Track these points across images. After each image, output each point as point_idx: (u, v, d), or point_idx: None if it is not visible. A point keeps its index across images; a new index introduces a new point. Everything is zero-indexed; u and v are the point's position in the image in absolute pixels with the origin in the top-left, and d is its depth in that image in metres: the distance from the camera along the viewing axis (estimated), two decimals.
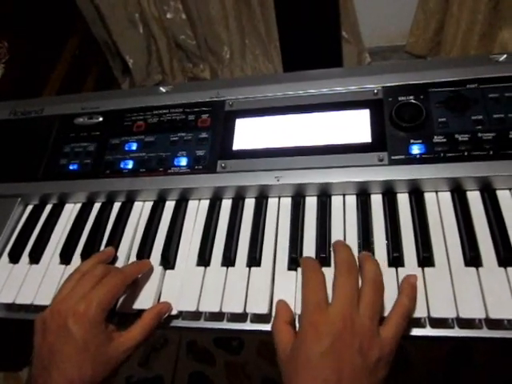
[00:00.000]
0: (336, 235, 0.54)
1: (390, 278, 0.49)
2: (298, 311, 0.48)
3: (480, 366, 1.10)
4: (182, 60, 2.03)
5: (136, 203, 0.64)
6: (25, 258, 0.62)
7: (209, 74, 2.02)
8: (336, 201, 0.57)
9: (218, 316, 0.53)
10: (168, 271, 0.56)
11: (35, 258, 0.61)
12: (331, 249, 0.53)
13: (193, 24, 1.87)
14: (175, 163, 0.62)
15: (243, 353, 1.35)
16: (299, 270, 0.52)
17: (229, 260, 0.54)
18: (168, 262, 0.56)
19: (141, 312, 0.53)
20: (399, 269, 0.50)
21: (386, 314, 0.46)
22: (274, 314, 0.49)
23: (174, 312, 0.53)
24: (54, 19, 1.67)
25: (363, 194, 0.56)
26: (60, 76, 1.71)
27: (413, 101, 0.58)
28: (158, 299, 0.54)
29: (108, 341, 0.48)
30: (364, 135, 0.57)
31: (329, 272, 0.50)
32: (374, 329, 0.43)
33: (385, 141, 0.56)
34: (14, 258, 0.62)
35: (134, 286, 0.55)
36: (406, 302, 0.45)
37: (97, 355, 0.46)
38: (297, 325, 0.48)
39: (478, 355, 1.11)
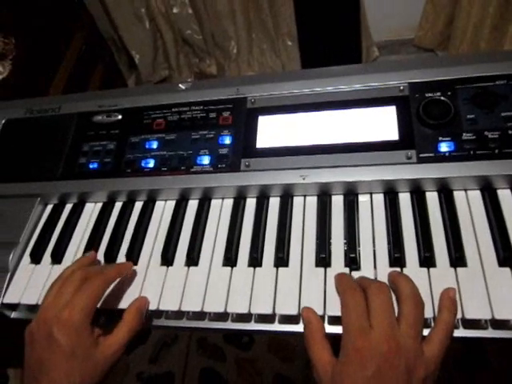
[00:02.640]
0: (365, 235, 0.53)
1: (422, 279, 0.48)
2: (329, 311, 0.48)
3: (495, 368, 1.10)
4: (189, 55, 2.01)
5: (158, 202, 0.63)
6: (47, 258, 0.62)
7: (215, 69, 2.00)
8: (363, 200, 0.56)
9: (245, 317, 0.53)
10: (193, 271, 0.55)
11: (57, 258, 0.61)
12: (359, 248, 0.52)
13: (199, 18, 1.86)
14: (197, 162, 0.61)
15: (254, 349, 1.35)
16: (328, 270, 0.52)
17: (256, 260, 0.54)
18: (193, 261, 0.56)
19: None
20: (431, 269, 0.49)
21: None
22: (302, 322, 0.48)
23: (197, 309, 0.52)
24: (60, 15, 1.65)
25: (391, 192, 0.56)
26: (66, 71, 1.70)
27: (440, 97, 0.57)
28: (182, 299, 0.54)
29: (95, 346, 0.48)
30: (391, 133, 0.56)
31: (358, 275, 0.50)
32: (418, 348, 0.42)
33: (412, 138, 0.55)
34: (36, 258, 0.62)
35: (160, 287, 0.54)
36: (449, 318, 0.44)
37: (84, 361, 0.46)
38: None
39: (492, 356, 1.11)
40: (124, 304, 0.54)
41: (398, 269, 0.50)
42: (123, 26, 1.88)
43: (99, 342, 0.49)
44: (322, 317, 0.49)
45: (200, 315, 0.54)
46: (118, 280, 0.55)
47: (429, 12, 1.71)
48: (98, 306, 0.53)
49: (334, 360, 0.43)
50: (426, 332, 0.45)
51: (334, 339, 0.46)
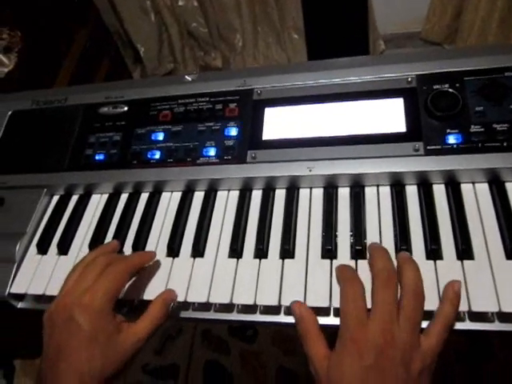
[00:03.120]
0: (371, 227, 0.53)
1: (428, 271, 0.48)
2: (335, 303, 0.48)
3: (501, 360, 1.10)
4: (194, 48, 2.01)
5: (164, 194, 0.63)
6: (53, 249, 0.62)
7: (221, 62, 2.00)
8: (370, 192, 0.56)
9: (250, 308, 0.53)
10: (199, 262, 0.55)
11: (64, 249, 0.61)
12: (366, 241, 0.52)
13: (205, 11, 1.85)
14: (204, 153, 0.61)
15: (258, 342, 1.36)
16: (334, 261, 0.52)
17: (261, 252, 0.54)
18: (199, 253, 0.56)
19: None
20: (437, 262, 0.49)
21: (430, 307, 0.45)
22: (294, 317, 0.48)
23: (202, 300, 0.52)
24: (65, 8, 1.65)
25: (398, 184, 0.55)
26: (72, 64, 1.70)
27: (448, 89, 0.56)
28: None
29: (117, 332, 0.46)
30: (398, 125, 0.56)
31: (365, 264, 0.50)
32: (414, 341, 0.42)
33: (420, 130, 0.55)
34: (42, 249, 0.62)
35: (165, 277, 0.55)
36: (450, 311, 0.44)
37: (106, 347, 0.45)
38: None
39: (498, 349, 1.11)
40: (129, 294, 0.54)
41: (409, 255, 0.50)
42: (129, 19, 1.88)
43: (122, 329, 0.47)
44: (328, 309, 0.49)
45: (205, 306, 0.54)
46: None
47: (436, 5, 1.70)
48: None
49: (330, 353, 0.43)
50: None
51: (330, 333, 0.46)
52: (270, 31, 1.85)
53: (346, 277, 0.47)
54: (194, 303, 0.54)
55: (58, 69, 1.65)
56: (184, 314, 0.55)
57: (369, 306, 0.45)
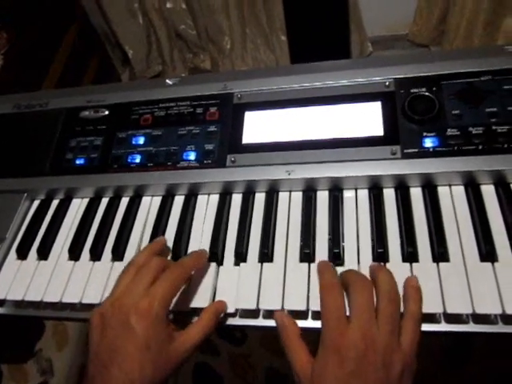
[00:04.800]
0: (349, 230, 0.53)
1: (405, 274, 0.48)
2: (312, 307, 0.48)
3: (478, 361, 1.11)
4: (183, 50, 2.01)
5: (144, 198, 0.63)
6: (33, 254, 0.61)
7: (209, 64, 2.00)
8: (348, 195, 0.56)
9: (230, 312, 0.53)
10: None
11: (43, 254, 0.61)
12: (343, 244, 0.52)
13: (193, 13, 1.85)
14: (184, 157, 0.61)
15: (247, 344, 1.36)
16: (312, 265, 0.52)
17: (241, 255, 0.54)
18: (179, 257, 0.56)
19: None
20: (414, 264, 0.49)
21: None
22: (277, 326, 0.48)
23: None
24: (53, 9, 1.65)
25: (375, 188, 0.56)
26: (59, 66, 1.69)
27: (425, 93, 0.57)
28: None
29: (169, 340, 0.46)
30: (376, 128, 0.57)
31: (342, 269, 0.50)
32: (394, 343, 0.42)
33: (397, 134, 0.55)
34: (22, 254, 0.62)
35: None
36: (415, 307, 0.45)
37: (158, 355, 0.44)
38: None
39: (479, 351, 1.12)
40: None
41: (381, 264, 0.50)
42: (117, 21, 1.88)
43: (174, 337, 0.46)
44: (306, 312, 0.49)
45: None
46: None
47: (422, 7, 1.71)
48: None
49: (313, 360, 0.43)
50: None
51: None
52: (258, 33, 1.85)
53: (326, 282, 0.47)
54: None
55: (45, 71, 1.65)
56: None
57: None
